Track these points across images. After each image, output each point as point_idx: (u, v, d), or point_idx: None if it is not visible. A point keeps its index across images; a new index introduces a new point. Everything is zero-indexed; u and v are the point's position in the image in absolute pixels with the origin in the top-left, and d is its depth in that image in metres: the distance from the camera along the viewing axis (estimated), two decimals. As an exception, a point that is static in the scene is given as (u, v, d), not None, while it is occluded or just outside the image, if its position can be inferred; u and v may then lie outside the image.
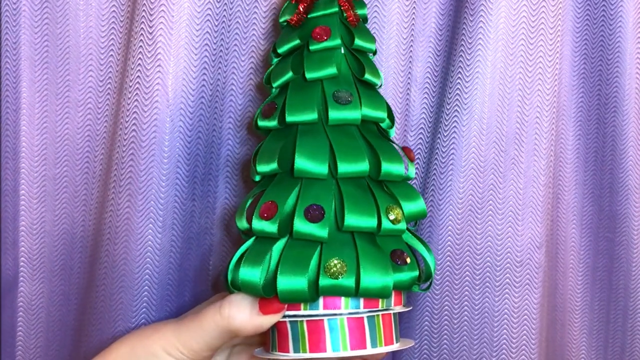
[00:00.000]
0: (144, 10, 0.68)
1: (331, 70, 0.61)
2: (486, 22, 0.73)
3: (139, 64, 0.69)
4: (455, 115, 0.75)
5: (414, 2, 0.75)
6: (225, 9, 0.71)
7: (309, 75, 0.61)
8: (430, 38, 0.78)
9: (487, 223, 0.75)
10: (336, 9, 0.63)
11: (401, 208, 0.59)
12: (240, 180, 0.76)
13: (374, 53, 0.66)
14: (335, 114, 0.59)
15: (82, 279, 0.77)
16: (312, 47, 0.62)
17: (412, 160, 0.65)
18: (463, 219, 0.75)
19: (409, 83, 0.76)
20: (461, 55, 0.74)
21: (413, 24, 0.76)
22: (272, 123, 0.61)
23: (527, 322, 0.76)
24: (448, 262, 0.76)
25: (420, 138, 0.78)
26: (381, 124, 0.63)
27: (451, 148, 0.75)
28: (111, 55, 0.75)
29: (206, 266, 0.77)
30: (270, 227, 0.57)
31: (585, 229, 0.85)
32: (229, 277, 0.60)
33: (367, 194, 0.59)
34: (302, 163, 0.58)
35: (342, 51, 0.63)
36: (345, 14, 0.64)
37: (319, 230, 0.56)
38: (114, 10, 0.74)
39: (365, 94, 0.61)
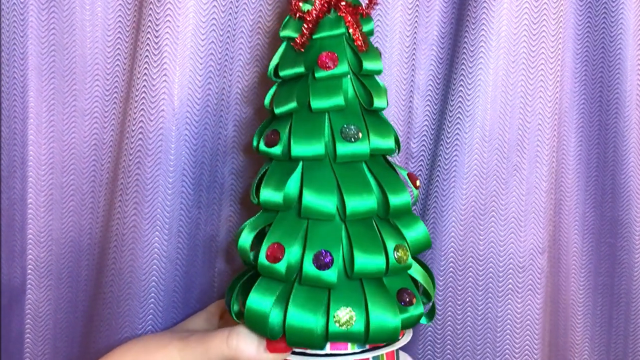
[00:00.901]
0: (149, 20, 0.69)
1: (338, 101, 0.58)
2: (488, 29, 0.74)
3: (145, 73, 0.70)
4: (458, 123, 0.75)
5: (416, 10, 0.76)
6: (230, 19, 0.72)
7: (314, 105, 0.58)
8: (432, 46, 0.78)
9: (490, 229, 0.76)
10: (343, 30, 0.60)
11: (408, 244, 0.59)
12: (246, 188, 0.77)
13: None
14: (344, 151, 0.57)
15: (89, 286, 0.78)
16: (317, 75, 0.58)
17: (416, 187, 0.64)
18: (466, 225, 0.76)
19: (411, 91, 0.77)
20: (463, 62, 0.75)
21: (415, 32, 0.76)
22: (276, 152, 0.59)
23: (530, 327, 0.76)
24: (451, 268, 0.76)
25: (423, 145, 0.79)
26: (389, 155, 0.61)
27: (454, 155, 0.75)
28: (117, 64, 0.75)
29: (212, 273, 0.77)
30: (278, 269, 0.56)
31: (587, 234, 0.85)
32: (234, 307, 0.60)
33: (374, 234, 0.57)
34: (311, 202, 0.56)
35: (349, 76, 0.60)
36: (352, 37, 0.60)
37: (328, 277, 0.55)
38: (119, 21, 0.75)
39: (372, 124, 0.59)
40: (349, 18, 0.60)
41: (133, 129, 0.71)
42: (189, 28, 0.69)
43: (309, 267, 0.55)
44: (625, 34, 0.79)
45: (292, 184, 0.58)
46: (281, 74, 0.60)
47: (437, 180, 0.76)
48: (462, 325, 0.77)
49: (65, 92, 0.75)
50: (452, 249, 0.76)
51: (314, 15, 0.59)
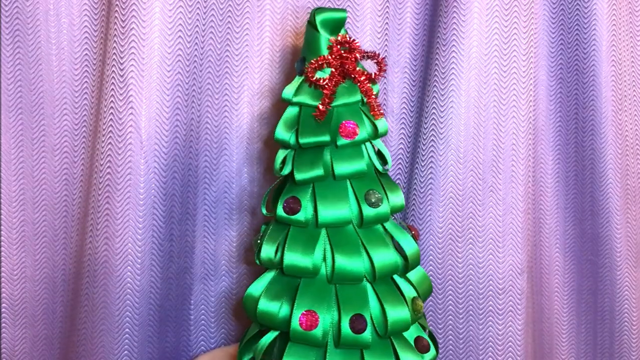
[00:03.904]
0: (114, 52, 0.69)
1: (361, 167, 0.60)
2: (458, 50, 0.73)
3: (112, 106, 0.69)
4: (432, 145, 0.74)
5: (386, 34, 0.76)
6: (196, 49, 0.71)
7: (338, 172, 0.59)
8: (405, 68, 0.78)
9: (468, 252, 0.75)
10: (359, 97, 0.60)
11: (419, 294, 0.62)
12: (219, 219, 0.76)
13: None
14: (370, 215, 0.59)
15: (65, 323, 0.76)
16: (340, 143, 0.59)
17: (416, 238, 0.65)
18: (444, 248, 0.75)
19: (385, 114, 0.76)
20: (435, 84, 0.74)
21: (386, 55, 0.76)
22: (299, 219, 0.60)
23: (512, 349, 0.75)
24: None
25: (399, 169, 0.78)
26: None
27: (429, 178, 0.74)
28: (85, 98, 0.74)
29: (187, 306, 0.76)
30: (315, 336, 0.58)
31: (568, 252, 0.84)
32: None
33: (395, 290, 0.60)
34: (343, 266, 0.58)
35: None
36: (369, 105, 0.60)
37: (365, 339, 0.58)
38: (86, 54, 0.74)
39: (387, 186, 0.61)
40: (365, 86, 0.60)
41: (101, 163, 0.70)
42: (154, 60, 0.68)
43: (347, 332, 0.58)
44: (599, 51, 0.78)
45: (318, 250, 0.60)
46: (302, 141, 0.60)
47: (414, 204, 0.76)
48: (443, 348, 0.77)
49: (34, 128, 0.74)
50: (430, 272, 0.75)
51: (332, 85, 0.59)
